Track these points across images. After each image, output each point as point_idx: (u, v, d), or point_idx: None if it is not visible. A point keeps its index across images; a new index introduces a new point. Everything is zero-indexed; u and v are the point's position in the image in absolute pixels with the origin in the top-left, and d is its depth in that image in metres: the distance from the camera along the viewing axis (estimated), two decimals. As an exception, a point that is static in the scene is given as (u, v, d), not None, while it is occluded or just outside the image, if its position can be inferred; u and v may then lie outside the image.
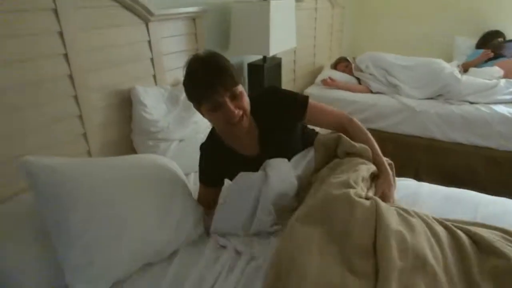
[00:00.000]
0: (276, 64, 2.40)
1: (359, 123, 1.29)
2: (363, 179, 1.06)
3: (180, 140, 1.70)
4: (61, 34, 1.32)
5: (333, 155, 1.19)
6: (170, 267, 1.08)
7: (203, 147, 1.28)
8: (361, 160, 1.11)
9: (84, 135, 1.48)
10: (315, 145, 1.19)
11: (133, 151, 1.66)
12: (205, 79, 1.03)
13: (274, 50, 2.13)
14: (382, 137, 2.72)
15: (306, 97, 1.24)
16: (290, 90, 1.25)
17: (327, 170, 1.14)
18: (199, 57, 1.07)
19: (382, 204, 0.95)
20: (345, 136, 1.16)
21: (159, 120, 1.61)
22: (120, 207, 1.05)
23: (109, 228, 1.01)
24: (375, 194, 1.07)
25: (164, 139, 1.64)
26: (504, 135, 2.37)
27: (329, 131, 1.32)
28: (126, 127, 1.65)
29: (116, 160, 1.25)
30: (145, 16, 1.63)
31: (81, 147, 1.48)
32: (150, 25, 1.68)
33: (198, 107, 1.11)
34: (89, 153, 1.51)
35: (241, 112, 1.07)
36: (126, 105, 1.62)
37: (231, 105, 1.05)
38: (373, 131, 2.65)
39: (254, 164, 1.21)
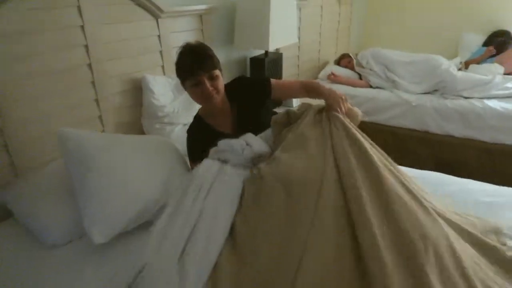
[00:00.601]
0: (277, 58, 2.56)
1: (308, 80, 1.61)
2: (308, 121, 1.29)
3: (184, 124, 1.89)
4: (82, 28, 1.54)
5: (287, 128, 1.40)
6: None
7: (189, 130, 1.52)
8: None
9: (100, 117, 1.70)
10: (271, 124, 1.42)
11: (142, 133, 1.88)
12: (191, 62, 1.33)
13: (274, 45, 2.30)
14: (380, 129, 2.86)
15: (268, 78, 1.53)
16: (255, 77, 1.46)
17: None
18: (190, 44, 1.38)
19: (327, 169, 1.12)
20: (292, 110, 1.40)
21: (166, 105, 1.82)
22: (129, 171, 1.30)
23: (119, 187, 1.25)
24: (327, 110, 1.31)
25: (169, 123, 1.84)
26: (497, 129, 2.47)
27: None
28: (137, 111, 1.87)
29: (128, 136, 1.51)
30: (156, 13, 1.84)
31: (97, 128, 1.70)
32: (160, 21, 1.88)
33: (183, 82, 1.40)
34: (104, 133, 1.73)
35: (215, 91, 1.36)
36: (137, 92, 1.83)
37: (207, 83, 1.34)
38: (371, 124, 2.85)
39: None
